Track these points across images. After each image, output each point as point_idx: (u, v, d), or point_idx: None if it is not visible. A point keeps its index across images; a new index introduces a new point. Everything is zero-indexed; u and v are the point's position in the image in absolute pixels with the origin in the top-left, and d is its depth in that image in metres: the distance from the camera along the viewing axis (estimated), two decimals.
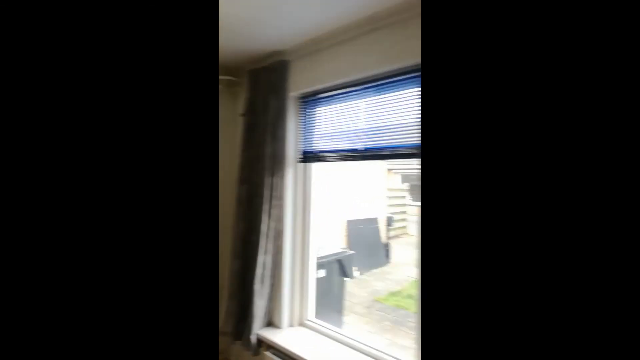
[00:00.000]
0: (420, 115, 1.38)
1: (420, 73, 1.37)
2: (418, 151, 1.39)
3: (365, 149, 1.62)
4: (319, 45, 1.69)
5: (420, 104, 0.44)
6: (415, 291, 1.45)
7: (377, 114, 1.56)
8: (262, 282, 1.82)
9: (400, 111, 1.47)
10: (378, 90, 1.55)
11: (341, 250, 2.88)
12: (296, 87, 1.83)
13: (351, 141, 1.68)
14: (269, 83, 1.86)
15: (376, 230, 6.97)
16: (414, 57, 1.34)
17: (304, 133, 1.90)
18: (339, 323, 2.82)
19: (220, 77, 2.08)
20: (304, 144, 1.90)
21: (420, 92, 1.39)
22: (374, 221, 7.06)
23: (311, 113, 1.87)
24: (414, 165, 1.46)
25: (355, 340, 1.69)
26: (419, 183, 1.44)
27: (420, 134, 1.38)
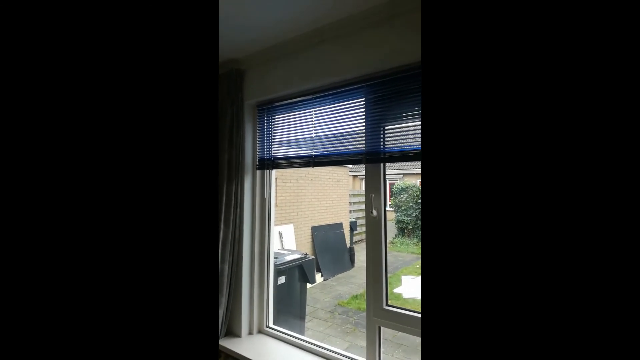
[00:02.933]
0: (364, 124, 1.48)
1: (363, 84, 1.47)
2: (366, 157, 1.47)
3: (318, 155, 1.68)
4: (273, 55, 1.74)
5: (421, 104, 0.47)
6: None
7: (329, 122, 1.63)
8: (220, 290, 1.80)
9: (349, 119, 1.55)
10: (332, 100, 1.62)
11: (302, 256, 2.91)
12: (252, 95, 1.85)
13: (306, 147, 1.74)
14: (225, 91, 1.86)
15: (341, 236, 7.08)
16: (360, 68, 1.43)
17: (262, 140, 1.92)
18: (300, 329, 2.83)
19: None
20: (262, 151, 1.92)
21: (364, 102, 1.48)
22: (338, 226, 7.17)
23: (268, 120, 1.90)
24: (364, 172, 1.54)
25: (315, 345, 1.72)
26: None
27: (365, 141, 1.47)
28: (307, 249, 6.41)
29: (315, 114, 1.68)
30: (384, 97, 1.41)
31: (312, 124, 1.70)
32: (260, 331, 1.93)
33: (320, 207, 7.17)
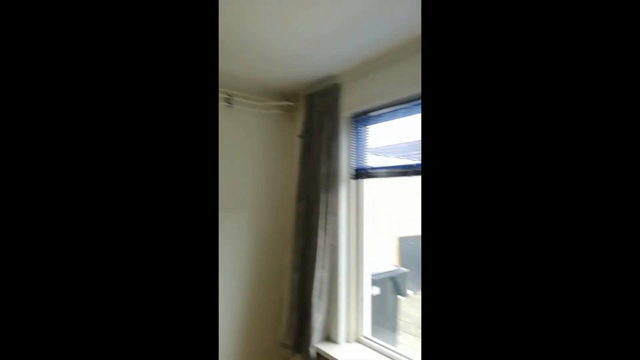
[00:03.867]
0: None
1: None
2: None
3: (417, 165, 1.64)
4: (368, 68, 1.78)
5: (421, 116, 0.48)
6: None
7: None
8: (320, 296, 1.88)
9: None
10: None
11: (395, 268, 2.84)
12: (348, 108, 1.92)
13: (402, 156, 1.72)
14: (323, 105, 1.97)
15: None
16: None
17: (356, 151, 1.97)
18: (393, 341, 2.75)
19: (280, 102, 2.26)
20: (356, 161, 1.96)
21: None
22: None
23: (362, 131, 1.94)
24: None
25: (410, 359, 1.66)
26: None
27: None
28: (394, 260, 6.23)
29: (413, 122, 1.66)
30: None
31: (409, 132, 1.68)
32: (357, 340, 1.94)
33: (407, 217, 6.92)
